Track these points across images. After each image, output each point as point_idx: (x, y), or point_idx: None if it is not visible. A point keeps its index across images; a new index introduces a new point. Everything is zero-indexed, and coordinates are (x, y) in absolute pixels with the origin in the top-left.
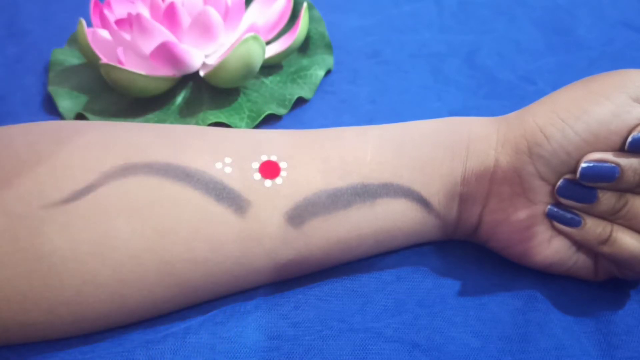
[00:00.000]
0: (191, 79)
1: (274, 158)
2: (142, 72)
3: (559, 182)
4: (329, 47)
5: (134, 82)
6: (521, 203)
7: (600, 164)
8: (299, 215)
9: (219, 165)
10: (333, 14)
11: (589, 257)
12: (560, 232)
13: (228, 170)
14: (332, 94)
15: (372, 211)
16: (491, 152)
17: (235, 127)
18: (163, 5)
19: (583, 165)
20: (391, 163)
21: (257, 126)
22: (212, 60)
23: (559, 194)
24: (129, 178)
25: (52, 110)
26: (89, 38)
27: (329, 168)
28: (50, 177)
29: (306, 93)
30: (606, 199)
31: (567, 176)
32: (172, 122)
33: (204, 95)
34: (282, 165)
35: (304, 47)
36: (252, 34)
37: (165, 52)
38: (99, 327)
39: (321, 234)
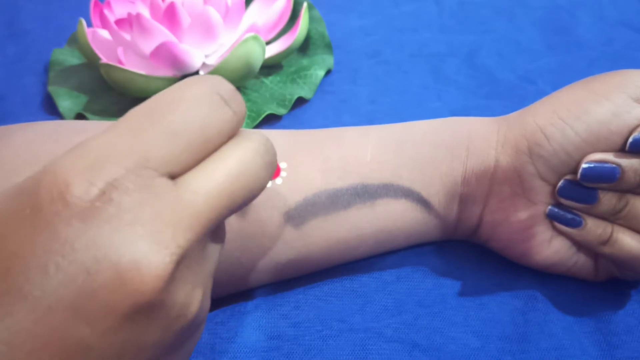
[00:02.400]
0: None
1: None
2: (142, 72)
3: (560, 183)
4: (329, 47)
5: (134, 82)
6: (521, 203)
7: (601, 165)
8: (299, 215)
9: None
10: (333, 14)
11: (589, 258)
12: (561, 233)
13: None
14: (332, 94)
15: (372, 211)
16: (491, 152)
17: None
18: (163, 5)
19: (584, 166)
20: (391, 163)
21: (257, 126)
22: (212, 60)
23: (559, 195)
24: None
25: (52, 110)
26: (89, 38)
27: (329, 168)
28: None
29: (306, 93)
30: (607, 200)
31: (568, 177)
32: None
33: None
34: (282, 165)
35: (304, 47)
36: (252, 34)
37: (165, 52)
38: None
39: (321, 234)
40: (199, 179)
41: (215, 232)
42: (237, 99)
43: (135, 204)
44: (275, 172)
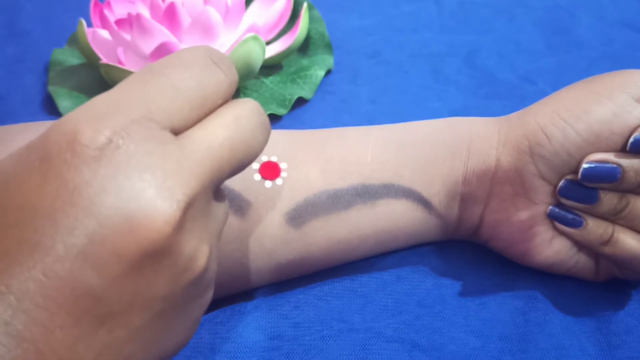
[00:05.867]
0: None
1: (274, 159)
2: None
3: (561, 183)
4: (329, 47)
5: None
6: (522, 203)
7: (601, 165)
8: (299, 215)
9: None
10: (333, 14)
11: (590, 258)
12: (562, 233)
13: None
14: (332, 94)
15: (373, 212)
16: (492, 151)
17: None
18: (163, 5)
19: (584, 165)
20: (392, 163)
21: None
22: None
23: (560, 195)
24: None
25: (52, 110)
26: (89, 38)
27: (329, 168)
28: None
29: (306, 93)
30: (607, 200)
31: (569, 177)
32: None
33: None
34: (283, 165)
35: (304, 47)
36: (252, 34)
37: (165, 52)
38: None
39: (321, 235)
40: (200, 133)
41: (217, 191)
42: (228, 64)
43: (142, 153)
44: (275, 172)
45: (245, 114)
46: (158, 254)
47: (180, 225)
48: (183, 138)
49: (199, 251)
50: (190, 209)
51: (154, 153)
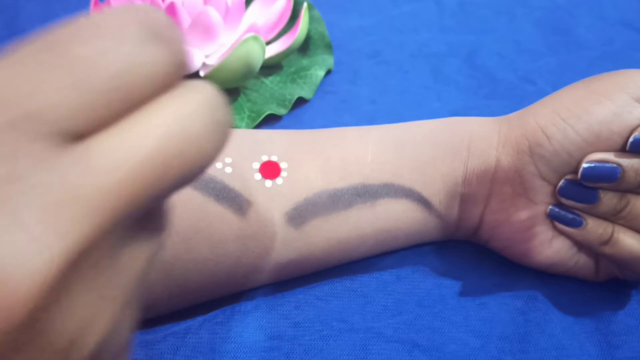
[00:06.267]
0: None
1: (274, 158)
2: None
3: (561, 183)
4: (329, 47)
5: None
6: (522, 203)
7: (601, 165)
8: (299, 215)
9: (219, 165)
10: (333, 14)
11: (590, 258)
12: (562, 233)
13: (228, 170)
14: (332, 94)
15: (373, 211)
16: (492, 152)
17: (235, 127)
18: (163, 5)
19: (584, 165)
20: (392, 163)
21: (257, 126)
22: (212, 61)
23: (560, 195)
24: None
25: None
26: None
27: (329, 168)
28: None
29: (306, 93)
30: (607, 200)
31: (569, 176)
32: None
33: None
34: (283, 165)
35: (304, 47)
36: (252, 34)
37: None
38: None
39: (322, 235)
40: (114, 141)
41: (148, 218)
42: (172, 35)
43: (6, 178)
44: (276, 172)
45: (191, 110)
46: (16, 337)
47: (54, 294)
48: (88, 148)
49: (91, 322)
50: (78, 264)
51: (28, 178)
